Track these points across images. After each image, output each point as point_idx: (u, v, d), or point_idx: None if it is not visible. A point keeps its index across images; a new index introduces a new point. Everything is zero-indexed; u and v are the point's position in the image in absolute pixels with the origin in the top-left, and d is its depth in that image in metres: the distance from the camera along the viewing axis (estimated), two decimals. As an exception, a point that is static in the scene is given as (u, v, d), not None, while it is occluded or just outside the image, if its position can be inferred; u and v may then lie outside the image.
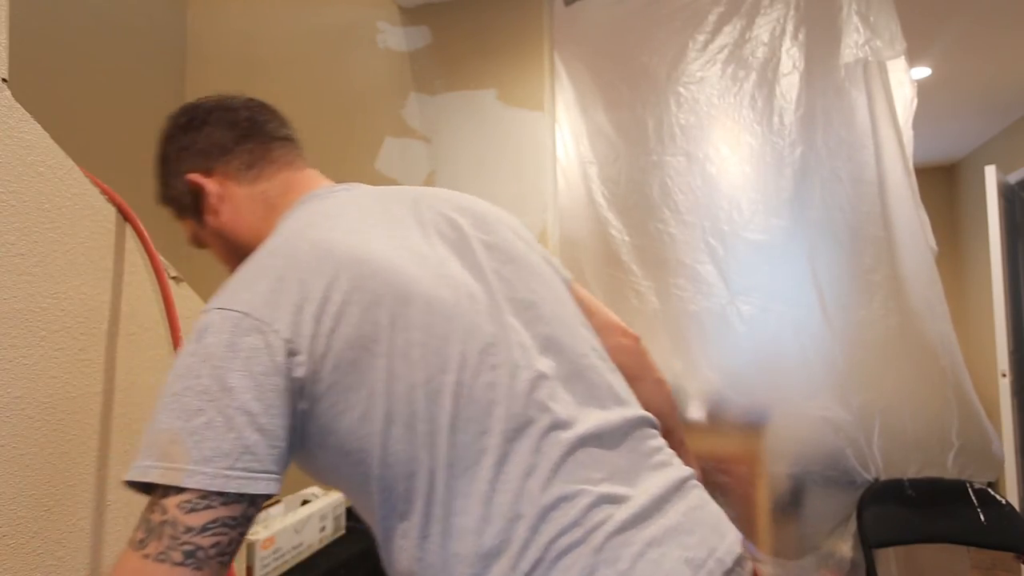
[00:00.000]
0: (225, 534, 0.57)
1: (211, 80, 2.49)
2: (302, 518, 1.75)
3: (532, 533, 0.63)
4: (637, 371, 1.01)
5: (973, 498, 1.76)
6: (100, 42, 2.18)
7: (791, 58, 1.98)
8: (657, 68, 2.11)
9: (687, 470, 0.78)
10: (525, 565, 0.62)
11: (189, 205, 0.87)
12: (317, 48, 2.37)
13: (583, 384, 0.75)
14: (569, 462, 0.67)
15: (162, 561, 0.55)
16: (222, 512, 0.57)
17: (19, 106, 0.84)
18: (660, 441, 0.80)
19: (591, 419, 0.71)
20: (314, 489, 1.98)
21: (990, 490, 1.78)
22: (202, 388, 0.59)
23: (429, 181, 2.21)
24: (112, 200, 0.99)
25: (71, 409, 0.89)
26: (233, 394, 0.59)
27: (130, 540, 0.58)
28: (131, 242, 1.01)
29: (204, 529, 0.56)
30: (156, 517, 0.57)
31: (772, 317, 1.85)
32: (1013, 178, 3.72)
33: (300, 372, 0.62)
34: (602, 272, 2.14)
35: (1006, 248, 3.31)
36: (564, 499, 0.65)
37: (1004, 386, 3.16)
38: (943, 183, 4.91)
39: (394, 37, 2.29)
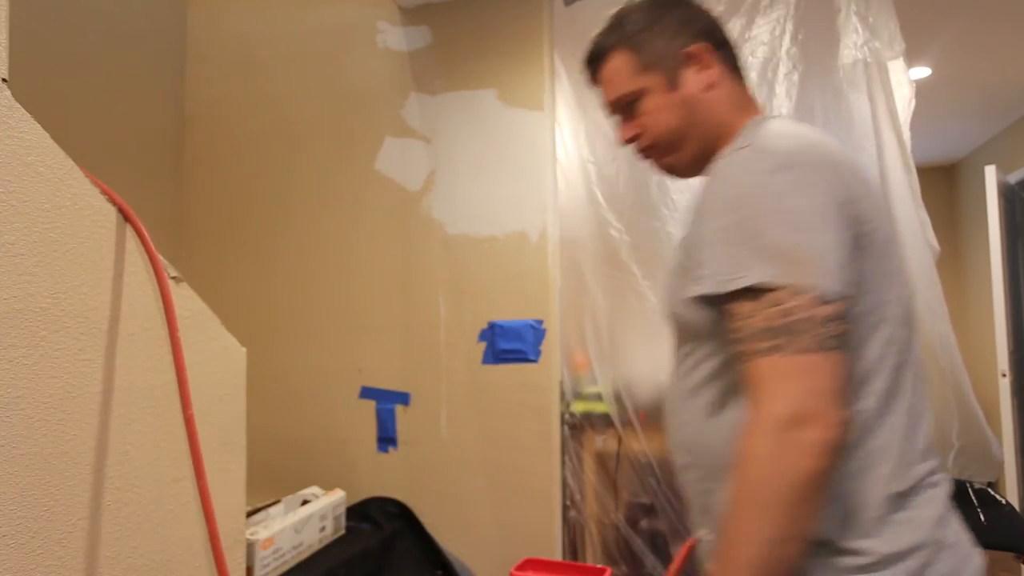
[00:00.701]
0: (841, 326, 0.69)
1: (211, 80, 2.49)
2: (302, 518, 1.75)
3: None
4: None
5: (973, 498, 1.76)
6: (100, 42, 2.18)
7: (791, 58, 1.98)
8: (657, 68, 2.11)
9: None
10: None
11: (665, 66, 0.90)
12: (317, 48, 2.37)
13: None
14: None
15: (810, 351, 0.67)
16: (839, 308, 0.69)
17: (19, 106, 0.84)
18: None
19: None
20: (314, 489, 1.98)
21: (990, 490, 1.78)
22: (812, 209, 0.71)
23: (429, 181, 2.21)
24: (112, 200, 0.99)
25: (71, 409, 0.89)
26: (830, 222, 0.71)
27: (750, 352, 0.70)
28: (131, 242, 1.01)
29: (831, 320, 0.68)
30: (782, 319, 0.68)
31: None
32: (1013, 178, 3.72)
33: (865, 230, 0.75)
34: (602, 272, 2.14)
35: (1006, 248, 3.31)
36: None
37: (1004, 386, 3.16)
38: (943, 183, 4.91)
39: (394, 37, 2.29)
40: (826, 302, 0.68)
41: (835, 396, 0.67)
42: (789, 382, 0.67)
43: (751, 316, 0.70)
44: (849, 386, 0.73)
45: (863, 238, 0.74)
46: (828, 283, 0.69)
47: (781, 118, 0.85)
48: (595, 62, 0.96)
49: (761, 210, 0.72)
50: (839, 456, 0.68)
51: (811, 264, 0.69)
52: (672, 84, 0.90)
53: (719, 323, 0.77)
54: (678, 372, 0.87)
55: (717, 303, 0.75)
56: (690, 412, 0.84)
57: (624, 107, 0.94)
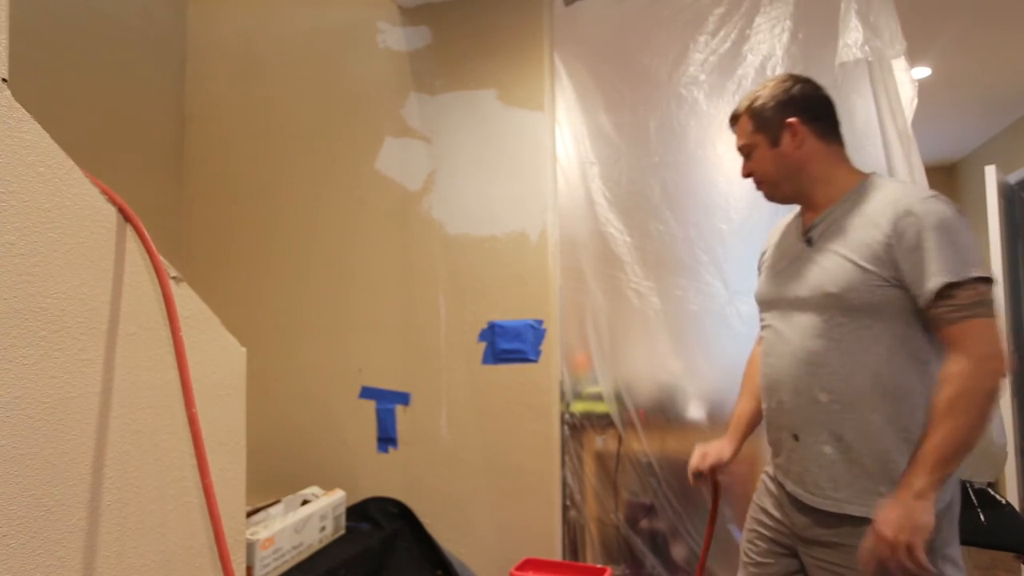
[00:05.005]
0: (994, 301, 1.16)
1: (211, 80, 2.49)
2: (302, 518, 1.75)
3: None
4: None
5: (973, 498, 1.76)
6: (100, 42, 2.18)
7: (791, 58, 1.98)
8: (658, 69, 2.11)
9: None
10: None
11: (770, 129, 1.32)
12: (317, 48, 2.37)
13: None
14: None
15: (994, 316, 1.13)
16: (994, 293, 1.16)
17: (19, 106, 0.84)
18: None
19: None
20: (314, 489, 1.98)
21: (990, 490, 1.77)
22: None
23: (429, 181, 2.21)
24: (112, 200, 0.99)
25: (71, 409, 0.89)
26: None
27: (966, 316, 1.12)
28: (131, 242, 1.01)
29: (993, 300, 1.15)
30: (982, 296, 1.13)
31: (772, 317, 1.84)
32: (1013, 178, 3.72)
33: None
34: (602, 272, 2.14)
35: (1006, 248, 3.31)
36: None
37: (1004, 386, 3.16)
38: (943, 183, 4.91)
39: (394, 37, 2.29)
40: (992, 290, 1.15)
41: (1004, 345, 1.13)
42: (982, 329, 1.13)
43: (969, 293, 1.13)
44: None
45: None
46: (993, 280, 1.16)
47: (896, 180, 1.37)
48: (734, 119, 1.39)
49: (963, 236, 1.17)
50: (1004, 380, 1.13)
51: (985, 270, 1.15)
52: (774, 143, 1.32)
53: (895, 302, 1.19)
54: (828, 336, 1.24)
55: (936, 289, 1.14)
56: (841, 364, 1.22)
57: (745, 153, 1.37)
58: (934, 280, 1.14)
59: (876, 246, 1.19)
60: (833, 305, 1.22)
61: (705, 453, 1.50)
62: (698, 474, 1.49)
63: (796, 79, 1.34)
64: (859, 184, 1.29)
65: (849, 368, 1.21)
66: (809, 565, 1.28)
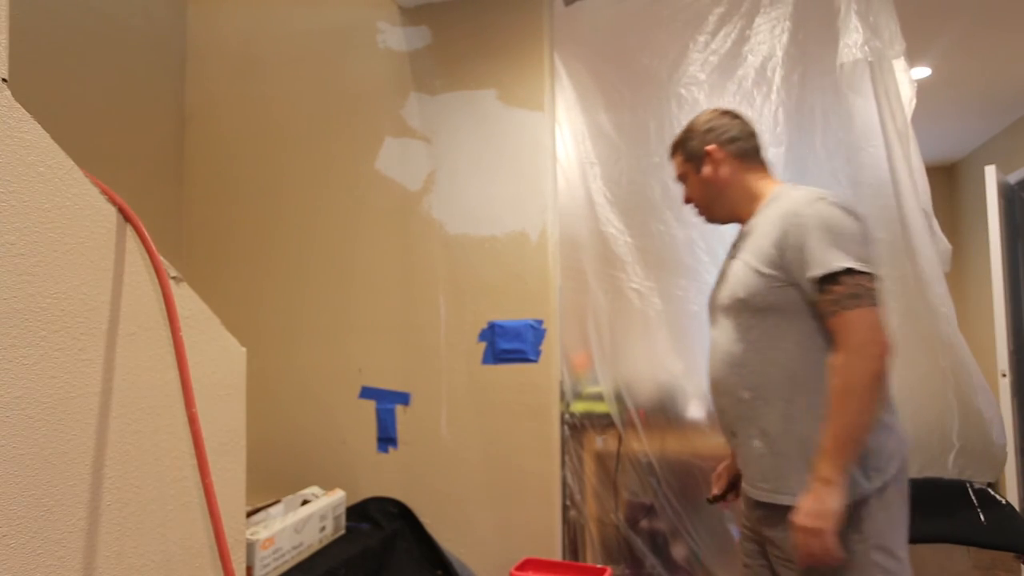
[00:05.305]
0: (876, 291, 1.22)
1: (211, 80, 2.49)
2: (302, 518, 1.75)
3: None
4: None
5: (973, 498, 1.76)
6: (100, 42, 2.18)
7: (791, 58, 1.98)
8: (658, 69, 2.11)
9: None
10: None
11: (695, 158, 1.47)
12: (317, 48, 2.37)
13: None
14: None
15: (873, 306, 1.20)
16: (876, 283, 1.22)
17: (19, 106, 0.84)
18: None
19: None
20: (314, 489, 1.99)
21: (990, 490, 1.77)
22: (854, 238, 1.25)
23: (429, 181, 2.21)
24: (112, 200, 0.99)
25: (71, 409, 0.89)
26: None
27: (842, 307, 1.20)
28: (131, 242, 1.01)
29: (875, 289, 1.22)
30: (858, 289, 1.20)
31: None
32: (1013, 178, 3.72)
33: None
34: (604, 272, 2.14)
35: (1006, 248, 3.31)
36: None
37: (1004, 386, 3.16)
38: (943, 183, 4.91)
39: (394, 37, 2.29)
40: (875, 281, 1.22)
41: (885, 330, 1.20)
42: (860, 318, 1.20)
43: (842, 286, 1.21)
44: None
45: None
46: (876, 272, 1.23)
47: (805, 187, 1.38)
48: (671, 152, 1.55)
49: (843, 231, 1.25)
50: (889, 362, 1.20)
51: (869, 264, 1.23)
52: (698, 170, 1.47)
53: (796, 300, 1.27)
54: (743, 339, 1.33)
55: (816, 282, 1.23)
56: (758, 362, 1.31)
57: (681, 182, 1.52)
58: (812, 274, 1.23)
59: (770, 250, 1.29)
60: (743, 309, 1.33)
61: (718, 475, 1.58)
62: (715, 499, 1.58)
63: (717, 112, 1.49)
64: (770, 196, 1.40)
65: (764, 365, 1.31)
66: (770, 557, 1.34)
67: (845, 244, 1.22)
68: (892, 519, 1.24)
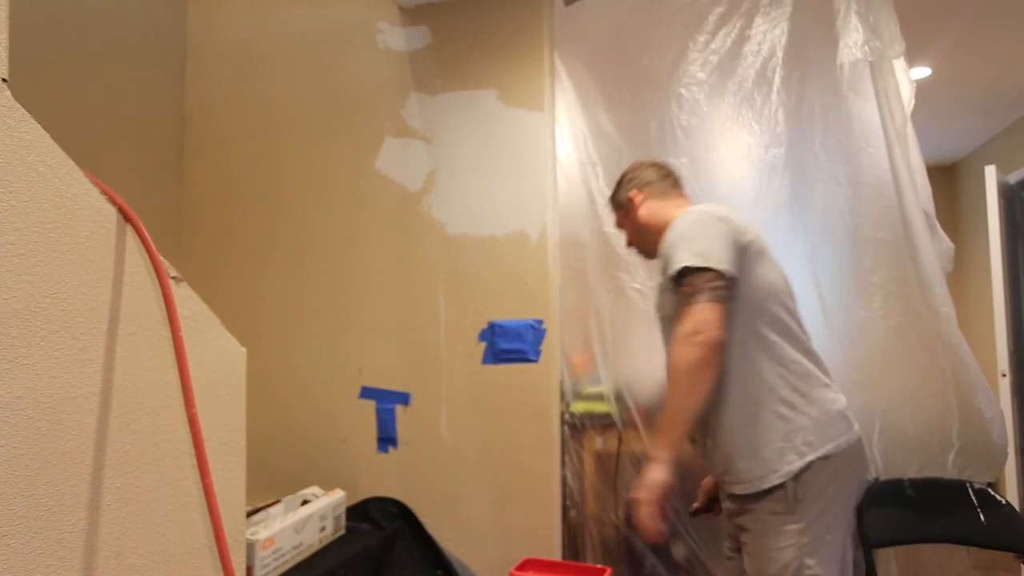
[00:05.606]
0: (723, 290, 1.31)
1: (211, 80, 2.49)
2: (302, 518, 1.75)
3: None
4: None
5: (973, 498, 1.76)
6: (100, 42, 2.18)
7: (791, 58, 1.98)
8: (658, 69, 2.11)
9: None
10: None
11: (623, 206, 1.68)
12: (317, 48, 2.37)
13: None
14: None
15: (708, 301, 1.29)
16: (719, 280, 1.31)
17: (19, 106, 0.84)
18: None
19: None
20: (314, 489, 1.98)
21: (990, 490, 1.77)
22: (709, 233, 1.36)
23: (429, 181, 2.21)
24: (112, 200, 0.99)
25: (71, 409, 0.89)
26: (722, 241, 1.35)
27: (683, 303, 1.31)
28: (131, 242, 1.01)
29: (718, 286, 1.31)
30: (692, 288, 1.30)
31: (772, 317, 1.85)
32: (1013, 178, 3.72)
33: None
34: (605, 272, 2.14)
35: (1006, 248, 3.31)
36: None
37: (1004, 386, 3.16)
38: (943, 183, 4.91)
39: (394, 37, 2.29)
40: (719, 276, 1.31)
41: (720, 321, 1.29)
42: (693, 313, 1.30)
43: (685, 285, 1.33)
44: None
45: (746, 249, 1.38)
46: (722, 269, 1.32)
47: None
48: (610, 206, 1.76)
49: (689, 235, 1.38)
50: (716, 352, 1.29)
51: (706, 258, 1.32)
52: (626, 215, 1.67)
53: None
54: (667, 348, 1.45)
55: (672, 284, 1.36)
56: None
57: (620, 228, 1.73)
58: (666, 277, 1.38)
59: (662, 266, 1.44)
60: (662, 321, 1.50)
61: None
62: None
63: (636, 163, 1.71)
64: None
65: None
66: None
67: (690, 245, 1.33)
68: (830, 521, 1.32)
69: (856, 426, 1.41)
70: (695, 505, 1.68)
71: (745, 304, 1.37)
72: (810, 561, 1.28)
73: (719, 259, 1.31)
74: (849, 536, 1.39)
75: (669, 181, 1.65)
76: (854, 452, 1.37)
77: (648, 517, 1.29)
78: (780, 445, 1.32)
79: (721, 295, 1.30)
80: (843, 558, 1.35)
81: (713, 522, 2.02)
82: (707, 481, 1.67)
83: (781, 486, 1.31)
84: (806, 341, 1.43)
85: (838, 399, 1.40)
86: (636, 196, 1.63)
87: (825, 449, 1.32)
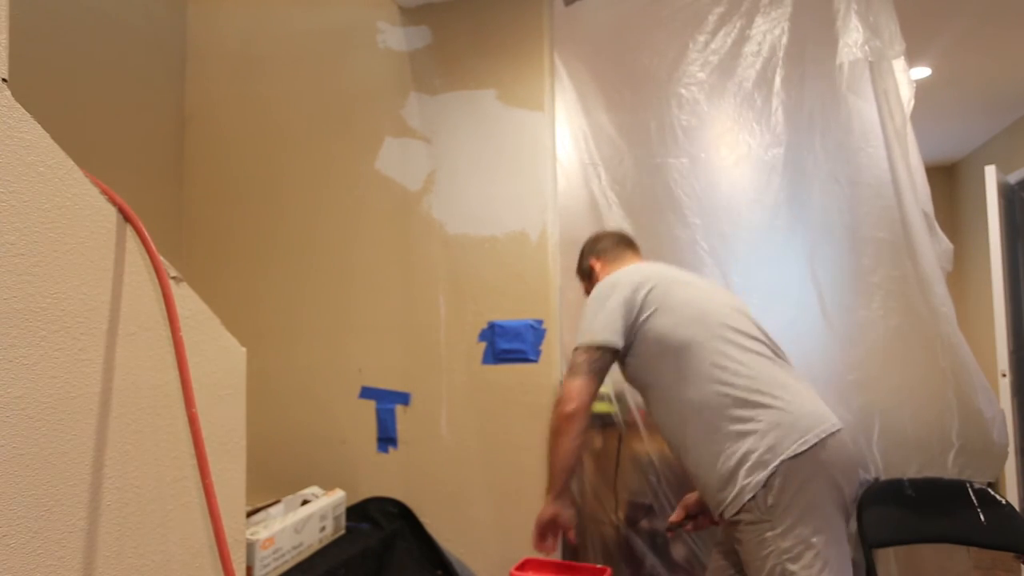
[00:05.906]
0: (600, 361, 1.55)
1: (211, 80, 2.49)
2: (302, 518, 1.75)
3: None
4: None
5: (973, 498, 1.76)
6: (100, 42, 2.18)
7: (791, 58, 1.98)
8: (658, 69, 2.11)
9: None
10: None
11: (586, 274, 1.88)
12: (317, 48, 2.37)
13: None
14: None
15: (577, 376, 1.54)
16: (603, 351, 1.56)
17: (19, 106, 0.84)
18: None
19: None
20: (314, 489, 1.98)
21: (990, 490, 1.77)
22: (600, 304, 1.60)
23: (429, 181, 2.21)
24: (112, 200, 0.99)
25: (71, 409, 0.89)
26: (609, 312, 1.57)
27: (569, 376, 1.55)
28: (131, 242, 1.01)
29: (593, 358, 1.55)
30: (572, 364, 1.57)
31: (772, 317, 1.84)
32: (1013, 178, 3.72)
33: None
34: (602, 272, 2.14)
35: (1006, 248, 3.31)
36: None
37: (1004, 386, 3.16)
38: (943, 183, 4.91)
39: (394, 37, 2.29)
40: (595, 350, 1.55)
41: (580, 393, 1.53)
42: (563, 387, 1.57)
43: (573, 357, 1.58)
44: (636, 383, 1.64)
45: (645, 304, 1.56)
46: (597, 342, 1.55)
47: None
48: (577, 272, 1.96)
49: (586, 311, 1.62)
50: (581, 416, 1.53)
51: (589, 334, 1.56)
52: (592, 281, 1.80)
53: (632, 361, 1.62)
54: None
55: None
56: (653, 413, 1.65)
57: (588, 295, 1.77)
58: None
59: None
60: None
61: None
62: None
63: (592, 236, 1.91)
64: None
65: (656, 414, 1.60)
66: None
67: (582, 322, 1.59)
68: (795, 502, 1.35)
69: (834, 418, 1.41)
70: (671, 519, 1.74)
71: (665, 347, 1.50)
72: (792, 567, 1.27)
73: (600, 331, 1.53)
74: (846, 536, 1.38)
75: (623, 245, 1.84)
76: (832, 445, 1.36)
77: (537, 541, 1.66)
78: (747, 464, 1.36)
79: (596, 367, 1.53)
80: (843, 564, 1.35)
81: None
82: (689, 496, 1.72)
83: (753, 497, 1.33)
84: (759, 348, 1.49)
85: (801, 397, 1.41)
86: (596, 264, 1.83)
87: (792, 449, 1.33)
